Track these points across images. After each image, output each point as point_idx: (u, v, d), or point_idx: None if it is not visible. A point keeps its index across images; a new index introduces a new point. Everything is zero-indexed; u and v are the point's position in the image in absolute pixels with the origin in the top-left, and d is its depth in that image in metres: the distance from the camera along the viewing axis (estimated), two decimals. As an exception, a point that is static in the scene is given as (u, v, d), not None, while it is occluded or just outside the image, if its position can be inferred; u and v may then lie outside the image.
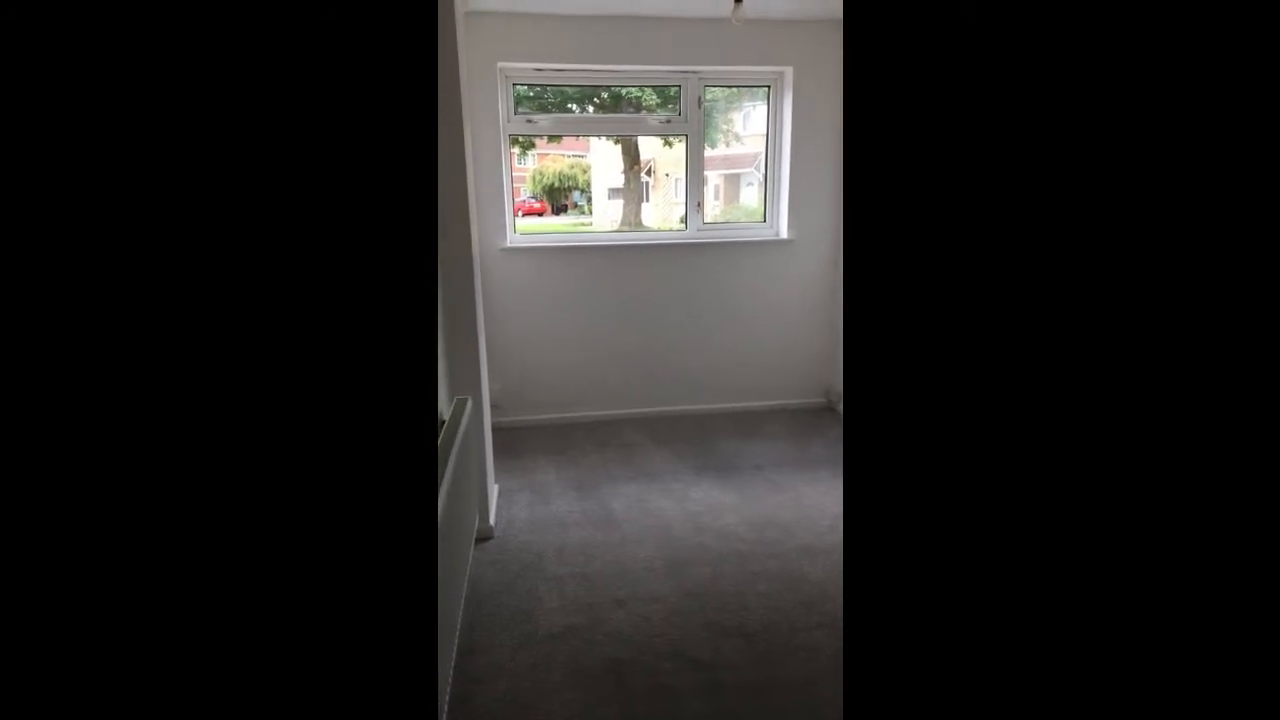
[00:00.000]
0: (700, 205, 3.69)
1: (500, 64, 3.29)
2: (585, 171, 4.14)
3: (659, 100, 3.63)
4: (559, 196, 4.09)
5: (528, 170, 3.97)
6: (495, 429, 3.22)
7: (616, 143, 3.92)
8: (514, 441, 3.43)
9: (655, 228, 4.01)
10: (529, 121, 3.49)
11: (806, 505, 2.72)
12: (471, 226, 2.36)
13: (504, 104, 3.38)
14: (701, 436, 3.48)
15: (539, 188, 4.05)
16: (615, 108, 3.66)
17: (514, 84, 3.43)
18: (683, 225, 3.75)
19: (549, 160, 4.10)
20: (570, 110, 3.64)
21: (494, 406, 3.38)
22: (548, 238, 3.71)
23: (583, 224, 4.09)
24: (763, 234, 3.76)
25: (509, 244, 3.50)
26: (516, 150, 3.64)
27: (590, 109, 3.67)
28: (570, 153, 4.12)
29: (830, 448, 3.32)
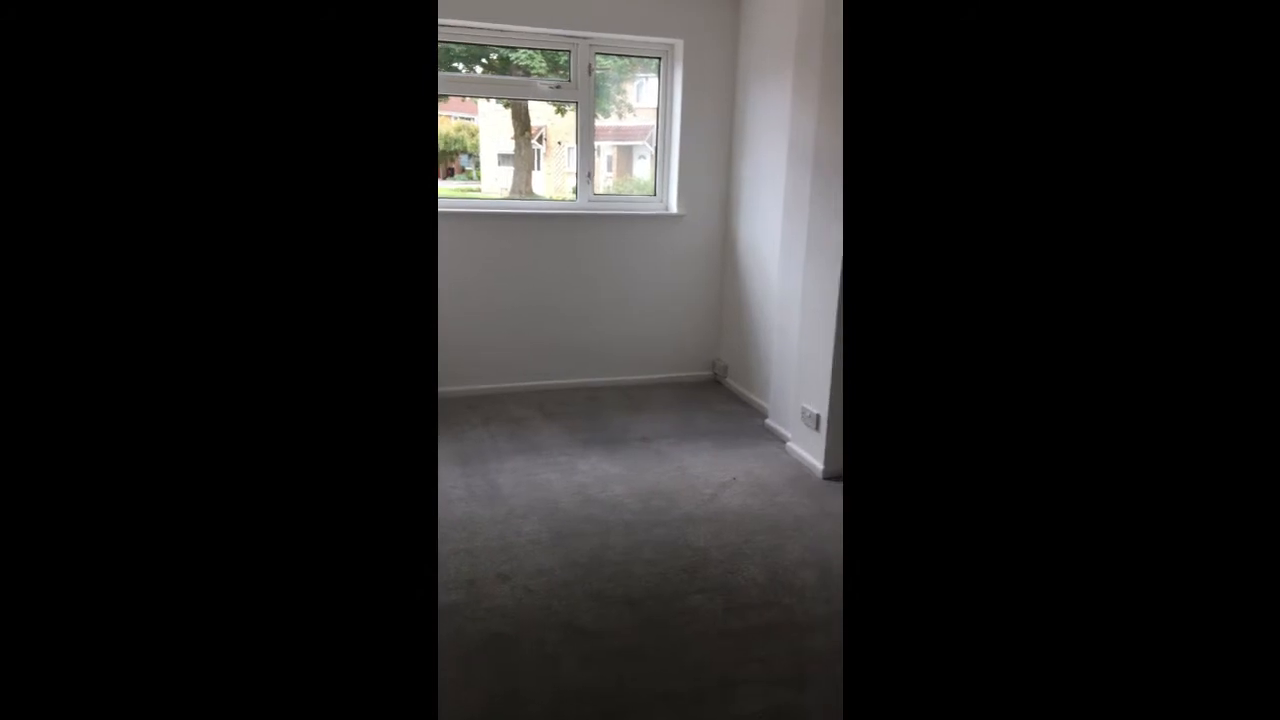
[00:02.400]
0: (591, 175, 3.65)
1: (378, 14, 3.07)
2: (473, 135, 3.98)
3: (549, 67, 3.53)
4: (445, 160, 3.92)
5: (410, 131, 3.76)
6: (375, 403, 3.07)
7: (506, 106, 3.79)
8: (396, 416, 3.29)
9: (547, 197, 3.93)
10: (411, 78, 3.29)
11: (691, 475, 2.80)
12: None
13: (383, 58, 3.17)
14: (591, 410, 3.49)
15: (423, 150, 3.85)
16: (504, 70, 3.53)
17: (394, 37, 3.22)
18: (574, 195, 3.69)
19: (434, 121, 3.90)
20: (456, 69, 3.47)
21: (374, 379, 3.22)
22: (432, 203, 3.54)
23: (470, 190, 3.94)
24: (653, 208, 3.78)
25: (389, 208, 3.31)
26: (397, 108, 3.43)
27: (478, 69, 3.52)
28: (457, 114, 3.94)
29: (715, 420, 3.43)
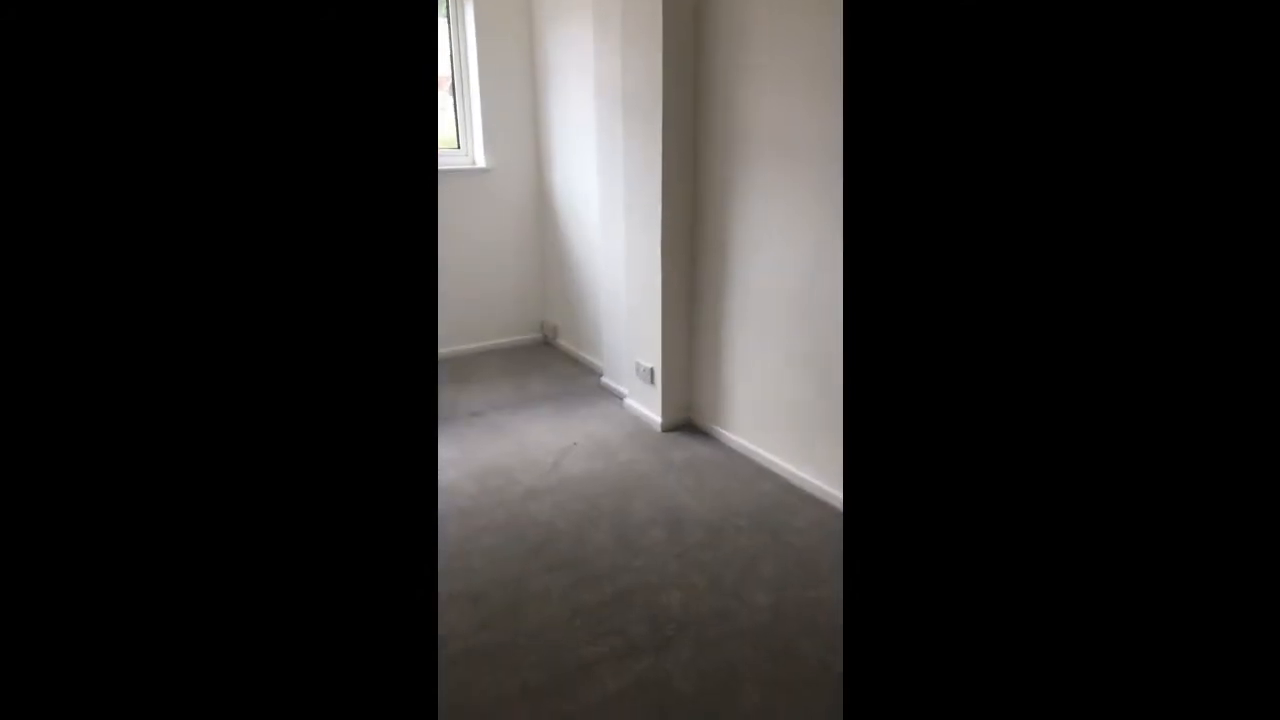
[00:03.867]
0: (384, 130, 3.28)
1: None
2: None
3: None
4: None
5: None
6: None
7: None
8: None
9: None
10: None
11: (529, 445, 2.67)
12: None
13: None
14: (414, 388, 3.22)
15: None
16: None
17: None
18: (366, 154, 3.30)
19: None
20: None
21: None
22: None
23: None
24: (458, 162, 3.49)
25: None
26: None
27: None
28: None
29: (550, 383, 3.30)
